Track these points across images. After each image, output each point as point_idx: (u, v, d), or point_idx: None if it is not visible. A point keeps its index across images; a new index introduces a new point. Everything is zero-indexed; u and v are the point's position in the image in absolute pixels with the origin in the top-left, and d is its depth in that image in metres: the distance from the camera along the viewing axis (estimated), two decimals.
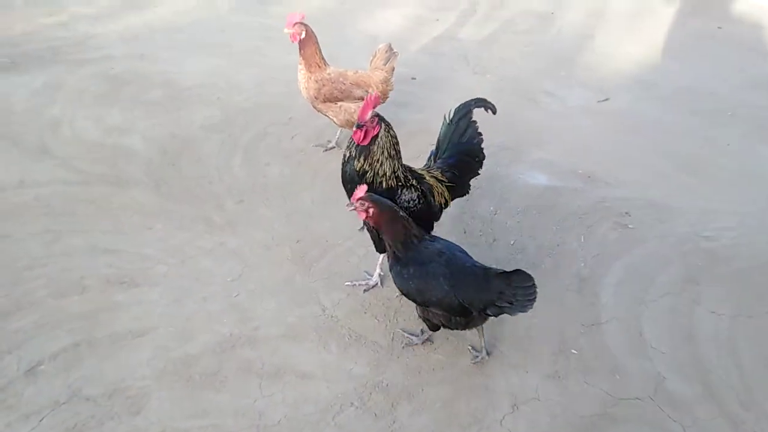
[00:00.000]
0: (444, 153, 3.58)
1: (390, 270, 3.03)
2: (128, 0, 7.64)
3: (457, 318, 2.93)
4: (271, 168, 4.64)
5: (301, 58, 4.39)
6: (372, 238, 3.39)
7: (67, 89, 5.52)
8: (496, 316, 2.88)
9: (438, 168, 3.52)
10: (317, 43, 4.42)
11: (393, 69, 4.64)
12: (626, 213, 4.29)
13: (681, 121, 5.52)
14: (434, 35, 7.16)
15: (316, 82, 4.38)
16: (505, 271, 2.81)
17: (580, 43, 7.09)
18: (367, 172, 3.16)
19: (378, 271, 3.57)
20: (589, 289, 3.66)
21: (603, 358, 3.24)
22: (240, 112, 5.35)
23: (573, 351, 3.27)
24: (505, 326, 3.38)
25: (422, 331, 3.29)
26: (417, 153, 4.56)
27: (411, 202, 3.25)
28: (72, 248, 3.76)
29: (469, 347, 3.27)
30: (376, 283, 3.56)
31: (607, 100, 5.86)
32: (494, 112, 3.63)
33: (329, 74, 4.43)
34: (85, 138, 4.83)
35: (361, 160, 3.15)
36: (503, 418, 2.93)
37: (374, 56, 4.66)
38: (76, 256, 3.71)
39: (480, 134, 3.63)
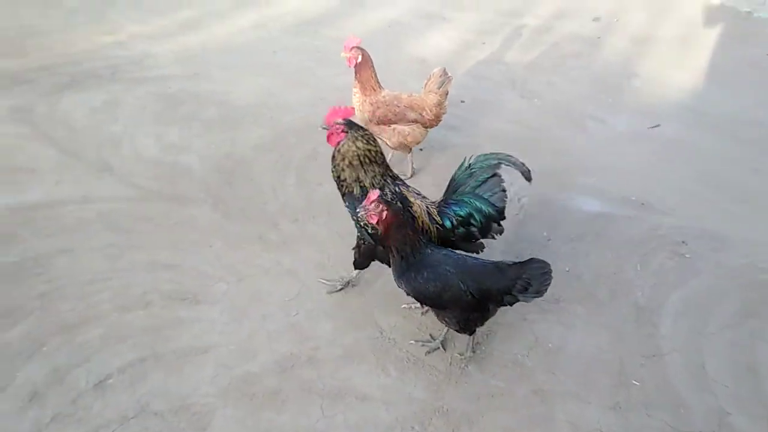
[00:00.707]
0: (453, 196, 3.35)
1: (400, 278, 2.96)
2: (184, 20, 7.77)
3: (475, 314, 3.00)
4: (323, 188, 4.65)
5: (356, 82, 4.42)
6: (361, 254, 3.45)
7: (127, 107, 5.62)
8: (511, 304, 2.98)
9: (437, 206, 3.33)
10: (372, 67, 4.44)
11: (447, 93, 4.63)
12: (682, 242, 4.21)
13: (730, 149, 5.42)
14: (481, 59, 7.15)
15: (371, 104, 4.40)
16: (516, 262, 2.90)
17: (626, 68, 7.02)
18: (332, 172, 3.24)
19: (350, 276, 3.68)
20: (647, 319, 3.59)
21: (665, 391, 3.16)
22: (291, 132, 5.39)
23: (634, 382, 3.21)
24: (562, 355, 3.34)
25: (432, 337, 3.40)
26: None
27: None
28: (134, 264, 3.79)
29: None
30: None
31: (658, 126, 5.78)
32: (528, 180, 3.35)
33: (384, 97, 4.44)
34: (144, 155, 4.90)
35: (331, 160, 3.23)
36: None
37: (428, 79, 4.66)
38: (139, 271, 3.74)
39: (505, 196, 3.34)
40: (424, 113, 4.52)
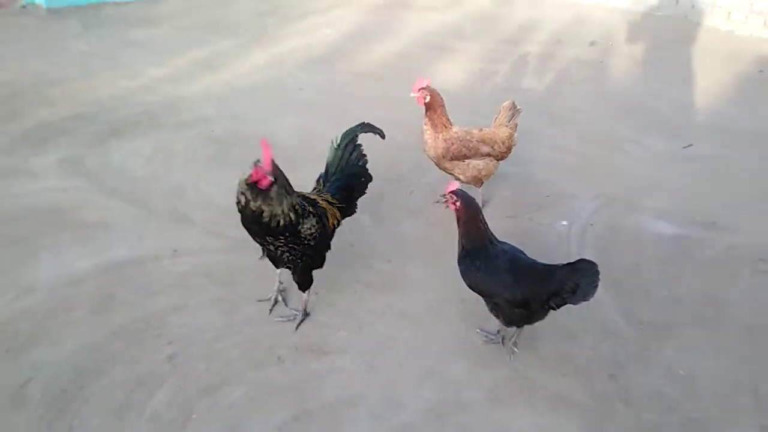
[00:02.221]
0: (333, 176, 3.75)
1: (458, 264, 3.22)
2: (198, 61, 7.61)
3: (519, 310, 3.10)
4: (402, 227, 4.58)
5: (427, 119, 4.39)
6: (270, 258, 3.52)
7: (179, 154, 5.44)
8: (557, 308, 3.05)
9: (328, 191, 3.67)
10: (443, 104, 4.42)
11: (516, 125, 4.62)
12: (760, 259, 4.27)
13: (765, 165, 5.54)
14: (499, 87, 7.21)
15: (445, 141, 4.37)
16: (568, 263, 2.97)
17: (637, 90, 7.18)
18: (263, 212, 3.16)
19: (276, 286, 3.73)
20: (761, 340, 3.62)
21: None
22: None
23: None
24: (698, 381, 3.34)
25: (498, 331, 3.48)
26: (533, 205, 4.75)
27: (312, 228, 3.31)
28: (250, 317, 3.65)
29: (478, 330, 3.56)
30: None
31: (690, 146, 5.89)
32: (382, 137, 3.89)
33: (456, 133, 4.42)
34: (214, 202, 4.73)
35: (258, 201, 3.16)
36: None
37: (498, 113, 4.67)
38: (257, 324, 3.60)
39: (365, 156, 3.90)
40: (496, 146, 4.51)
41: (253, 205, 3.16)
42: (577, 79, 7.54)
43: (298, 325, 3.59)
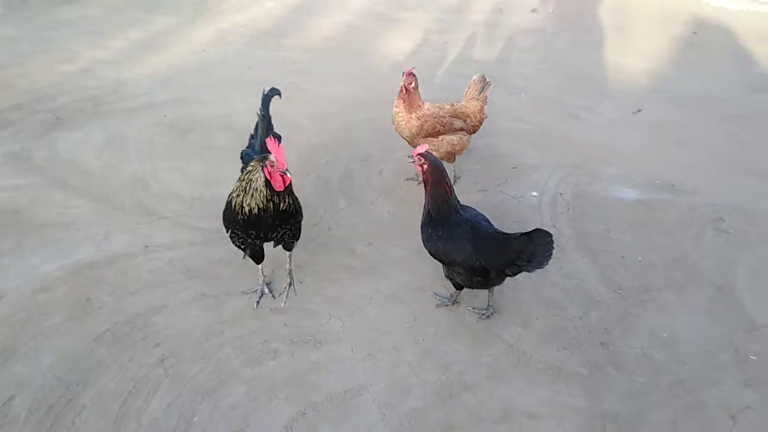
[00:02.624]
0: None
1: (421, 231, 3.29)
2: (138, 41, 7.25)
3: (477, 278, 3.19)
4: (378, 207, 4.53)
5: (401, 101, 4.31)
6: (253, 254, 3.50)
7: (132, 142, 5.19)
8: (514, 275, 3.13)
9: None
10: (418, 87, 4.36)
11: (486, 98, 4.62)
12: (720, 219, 4.44)
13: (713, 126, 5.75)
14: (452, 58, 7.17)
15: (419, 119, 4.32)
16: (523, 233, 3.01)
17: (582, 57, 7.27)
18: (288, 206, 3.20)
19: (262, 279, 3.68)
20: (729, 297, 3.78)
21: None
22: (313, 152, 5.19)
23: (752, 357, 3.36)
24: (680, 343, 3.46)
25: (451, 295, 3.58)
26: (501, 177, 4.79)
27: (298, 201, 3.36)
28: (238, 312, 3.55)
29: (470, 308, 3.61)
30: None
31: (640, 111, 6.03)
32: (279, 95, 3.98)
33: (428, 110, 4.38)
34: (179, 192, 4.56)
35: (287, 200, 3.18)
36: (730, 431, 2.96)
37: (468, 87, 4.64)
38: (247, 319, 3.50)
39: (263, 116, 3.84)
40: (468, 120, 4.50)
41: (282, 205, 3.12)
42: (524, 47, 7.58)
43: (288, 288, 3.67)
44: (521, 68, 6.91)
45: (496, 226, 3.31)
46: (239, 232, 3.24)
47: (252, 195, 3.06)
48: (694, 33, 8.09)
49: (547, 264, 3.04)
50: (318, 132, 5.46)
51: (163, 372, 3.14)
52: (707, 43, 7.73)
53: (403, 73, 4.20)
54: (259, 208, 3.07)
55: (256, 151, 3.61)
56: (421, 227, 3.34)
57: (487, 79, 4.64)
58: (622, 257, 4.06)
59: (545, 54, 7.36)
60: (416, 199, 4.40)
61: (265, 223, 3.13)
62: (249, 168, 3.09)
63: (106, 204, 4.38)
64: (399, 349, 3.33)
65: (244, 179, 3.10)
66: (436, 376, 3.19)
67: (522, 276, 3.62)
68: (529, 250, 3.04)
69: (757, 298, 3.75)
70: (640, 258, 4.05)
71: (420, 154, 3.29)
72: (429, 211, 3.28)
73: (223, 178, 4.72)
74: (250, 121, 5.57)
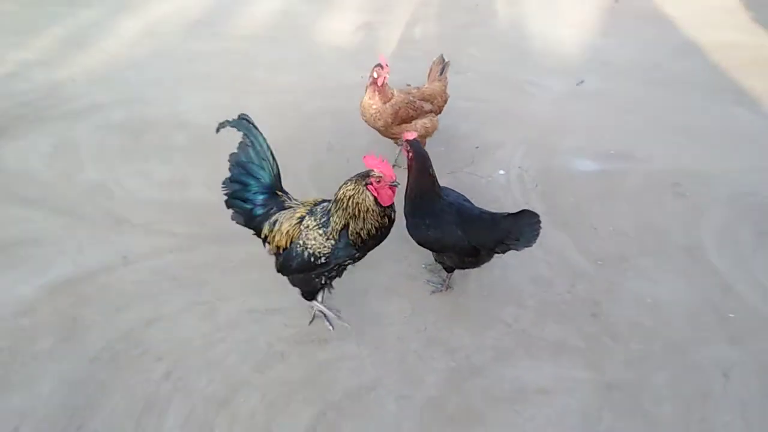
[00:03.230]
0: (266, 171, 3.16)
1: (406, 223, 3.29)
2: (65, 38, 6.84)
3: (469, 259, 3.28)
4: None
5: (374, 94, 4.27)
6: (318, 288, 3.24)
7: (83, 148, 4.93)
8: (503, 252, 3.21)
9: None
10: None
11: (447, 78, 4.65)
12: (676, 183, 4.66)
13: (651, 93, 5.99)
14: (392, 38, 7.14)
15: (392, 106, 4.31)
16: (511, 214, 3.15)
17: (519, 30, 7.41)
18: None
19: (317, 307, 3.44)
20: (700, 258, 3.98)
21: (756, 317, 3.56)
22: (277, 145, 4.91)
23: (730, 315, 3.57)
24: (664, 307, 3.62)
25: (444, 280, 3.64)
26: (467, 158, 4.89)
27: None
28: (234, 316, 3.47)
29: (426, 280, 3.72)
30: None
31: (583, 82, 6.21)
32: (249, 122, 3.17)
33: (399, 97, 4.37)
34: (146, 197, 4.38)
35: (394, 211, 3.01)
36: (724, 389, 3.16)
37: (430, 69, 4.66)
38: (245, 324, 3.43)
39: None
40: (435, 102, 4.54)
41: (394, 216, 2.98)
42: (461, 23, 7.63)
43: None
44: (462, 45, 6.96)
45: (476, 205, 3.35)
46: (325, 270, 2.99)
47: (364, 219, 2.84)
48: (616, 2, 8.34)
49: (535, 242, 3.14)
50: (277, 125, 5.30)
51: (171, 386, 3.04)
52: (628, 10, 8.05)
53: (378, 66, 4.13)
54: (376, 228, 2.88)
55: (263, 186, 3.10)
56: (406, 216, 3.33)
57: (446, 59, 4.66)
58: (595, 228, 4.20)
59: (482, 30, 7.44)
60: None
61: (381, 238, 2.99)
62: (348, 193, 2.82)
63: (70, 215, 4.16)
64: (403, 339, 3.34)
65: (347, 206, 2.83)
66: (444, 362, 3.23)
67: (508, 254, 3.70)
68: (517, 229, 3.12)
69: (723, 257, 3.97)
70: (611, 228, 4.21)
71: (407, 141, 3.30)
72: (413, 199, 3.28)
73: (190, 181, 4.60)
74: (204, 118, 5.43)
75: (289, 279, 3.13)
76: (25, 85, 5.82)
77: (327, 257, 2.89)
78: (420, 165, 3.30)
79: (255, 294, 3.61)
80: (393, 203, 2.91)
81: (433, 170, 3.33)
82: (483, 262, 3.43)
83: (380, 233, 2.90)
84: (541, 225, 3.13)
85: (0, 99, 5.58)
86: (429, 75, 4.66)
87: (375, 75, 4.21)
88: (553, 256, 3.94)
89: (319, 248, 2.88)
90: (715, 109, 5.68)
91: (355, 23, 7.49)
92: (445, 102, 4.64)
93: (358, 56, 6.51)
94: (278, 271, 3.08)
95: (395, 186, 2.81)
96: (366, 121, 4.43)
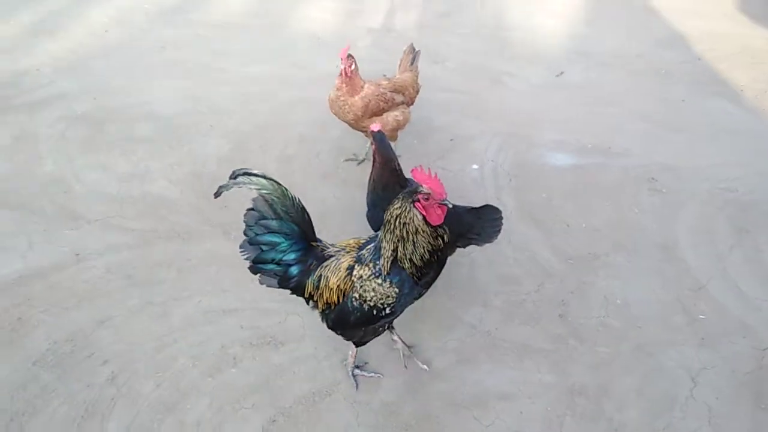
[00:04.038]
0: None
1: (367, 214, 3.27)
2: (30, 25, 6.66)
3: None
4: (320, 192, 4.39)
5: (342, 85, 4.14)
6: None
7: (44, 140, 4.79)
8: (464, 247, 3.17)
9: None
10: (357, 68, 4.20)
11: (418, 68, 4.54)
12: (653, 178, 4.57)
13: (632, 84, 5.89)
14: (370, 28, 7.00)
15: (362, 99, 4.18)
16: (474, 207, 3.08)
17: (500, 19, 7.27)
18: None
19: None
20: (674, 256, 3.90)
21: (726, 317, 3.49)
22: (245, 137, 4.97)
23: (701, 316, 3.49)
24: (634, 307, 3.54)
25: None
26: (440, 151, 4.82)
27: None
28: (189, 318, 3.36)
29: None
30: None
31: (562, 74, 6.10)
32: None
33: (369, 89, 4.24)
34: (106, 192, 4.25)
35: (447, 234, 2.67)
36: (691, 393, 3.08)
37: (401, 60, 4.54)
38: (199, 325, 3.33)
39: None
40: (406, 93, 4.42)
41: (446, 236, 2.64)
42: (439, 12, 7.50)
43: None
44: (441, 34, 6.83)
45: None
46: (392, 319, 2.74)
47: (414, 241, 2.50)
48: None
49: (496, 238, 3.10)
50: (248, 116, 5.23)
51: (116, 391, 2.94)
52: (616, 0, 7.87)
53: (341, 56, 4.00)
54: (430, 252, 2.55)
55: (294, 241, 2.67)
56: (368, 207, 3.31)
57: (416, 48, 4.54)
58: (567, 225, 4.11)
59: (462, 18, 7.30)
60: (359, 180, 4.30)
61: (443, 261, 2.71)
62: (395, 212, 2.50)
63: (24, 210, 4.04)
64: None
65: (394, 227, 2.51)
66: (404, 366, 3.12)
67: (476, 252, 3.64)
68: (479, 224, 3.08)
69: (697, 255, 3.89)
70: (584, 224, 4.11)
71: (371, 132, 3.28)
72: (375, 190, 3.24)
73: (152, 174, 4.49)
74: (171, 108, 5.30)
75: (341, 334, 2.83)
76: None
77: (392, 307, 2.59)
78: (383, 158, 3.24)
79: (212, 294, 3.50)
80: (443, 224, 2.58)
81: (398, 162, 3.27)
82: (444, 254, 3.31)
83: (436, 257, 2.59)
84: (503, 221, 3.04)
85: None
86: (400, 65, 4.53)
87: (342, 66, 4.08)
88: (523, 253, 3.84)
89: (382, 299, 2.57)
90: (697, 102, 5.58)
91: (331, 11, 7.34)
92: (417, 93, 4.51)
93: (334, 45, 6.36)
94: (330, 328, 2.77)
95: (445, 205, 2.51)
96: (335, 114, 4.32)
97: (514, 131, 5.10)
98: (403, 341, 3.16)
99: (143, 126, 4.98)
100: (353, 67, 4.04)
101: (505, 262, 3.79)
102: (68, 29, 6.66)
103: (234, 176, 2.48)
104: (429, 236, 2.51)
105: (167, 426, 2.81)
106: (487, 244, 3.23)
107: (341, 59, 3.98)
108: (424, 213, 2.50)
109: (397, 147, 4.63)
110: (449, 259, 3.48)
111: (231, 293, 3.49)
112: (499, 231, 3.15)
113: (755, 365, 3.19)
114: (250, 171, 2.49)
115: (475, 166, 4.64)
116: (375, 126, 3.35)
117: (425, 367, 3.14)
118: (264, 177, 2.50)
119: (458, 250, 3.42)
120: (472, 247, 3.59)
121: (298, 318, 3.36)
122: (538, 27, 7.03)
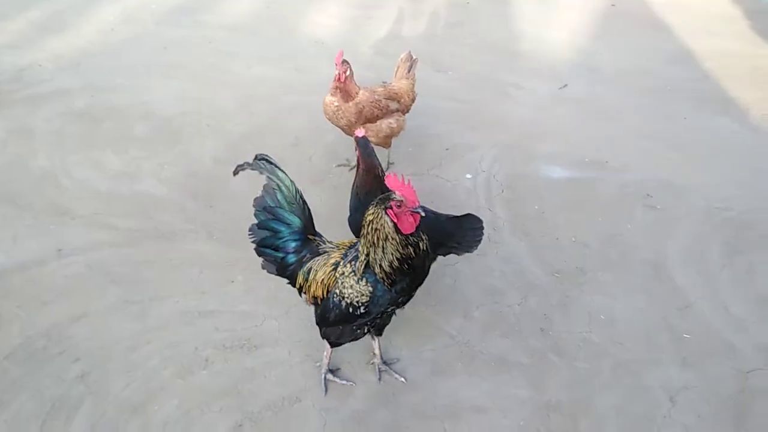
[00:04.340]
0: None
1: (349, 218, 3.29)
2: (38, 22, 6.73)
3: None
4: (309, 196, 4.27)
5: (337, 91, 4.13)
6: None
7: (40, 134, 4.82)
8: (444, 255, 3.15)
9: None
10: (353, 74, 4.18)
11: (414, 75, 4.52)
12: (648, 195, 4.51)
13: (637, 100, 5.82)
14: (378, 36, 7.00)
15: (356, 105, 4.17)
16: (455, 216, 3.06)
17: (509, 31, 7.24)
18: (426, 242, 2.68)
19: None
20: (662, 274, 3.83)
21: (712, 337, 3.41)
22: (240, 138, 4.97)
23: (685, 335, 3.42)
24: (618, 324, 3.48)
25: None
26: (435, 160, 4.78)
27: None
28: (166, 318, 3.34)
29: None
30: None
31: (566, 86, 6.06)
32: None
33: (364, 95, 4.23)
34: (95, 189, 4.26)
35: (422, 236, 2.65)
36: (669, 413, 3.01)
37: (397, 66, 4.53)
38: (175, 326, 3.31)
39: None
40: (402, 101, 4.40)
41: (422, 245, 2.61)
42: (450, 22, 7.48)
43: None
44: (448, 44, 6.82)
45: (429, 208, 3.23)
46: (367, 320, 2.71)
47: (384, 248, 2.50)
48: (613, 5, 8.17)
49: (476, 249, 3.09)
50: (246, 118, 5.24)
51: (84, 389, 2.93)
52: (626, 15, 7.83)
53: (336, 62, 3.99)
54: (399, 260, 2.52)
55: (294, 232, 2.79)
56: (350, 212, 3.32)
57: (414, 56, 4.52)
58: (557, 238, 4.06)
59: (471, 28, 7.28)
60: (348, 186, 4.22)
61: (423, 272, 2.71)
62: (369, 217, 2.51)
63: (12, 204, 4.06)
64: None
65: (367, 232, 2.51)
66: (377, 374, 3.08)
67: (462, 263, 3.60)
68: (460, 233, 3.06)
69: (687, 274, 3.82)
70: (573, 238, 4.06)
71: (355, 139, 3.30)
72: (358, 195, 3.25)
73: (143, 173, 4.49)
74: (169, 108, 5.32)
75: (321, 332, 2.87)
76: None
77: (366, 306, 2.60)
78: (367, 164, 3.24)
79: (191, 295, 3.49)
80: (419, 232, 2.57)
81: (381, 169, 3.26)
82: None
83: (407, 266, 2.56)
84: (484, 231, 2.99)
85: None
86: (396, 72, 4.52)
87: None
88: (509, 266, 3.80)
89: (357, 297, 2.59)
90: (700, 119, 5.51)
91: (340, 17, 7.36)
92: (413, 101, 4.49)
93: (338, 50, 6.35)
94: (317, 323, 2.82)
95: (417, 213, 2.49)
96: (329, 119, 4.31)
97: (512, 142, 5.06)
98: (381, 355, 3.11)
99: (140, 125, 5.00)
100: (348, 72, 4.02)
101: (491, 273, 3.74)
102: (76, 27, 6.73)
103: (256, 158, 2.71)
104: (398, 244, 2.50)
105: (133, 426, 2.79)
106: (475, 256, 3.19)
107: (336, 64, 3.96)
108: (395, 220, 2.48)
109: (392, 154, 4.60)
110: (432, 269, 3.48)
111: (210, 295, 3.48)
112: (479, 241, 3.12)
113: (738, 388, 3.11)
114: (267, 157, 2.71)
115: (468, 176, 4.60)
116: (359, 132, 3.33)
117: (402, 378, 3.08)
118: (277, 167, 2.72)
119: (442, 260, 3.38)
120: (456, 258, 3.57)
121: (275, 322, 3.34)
122: (546, 40, 6.99)
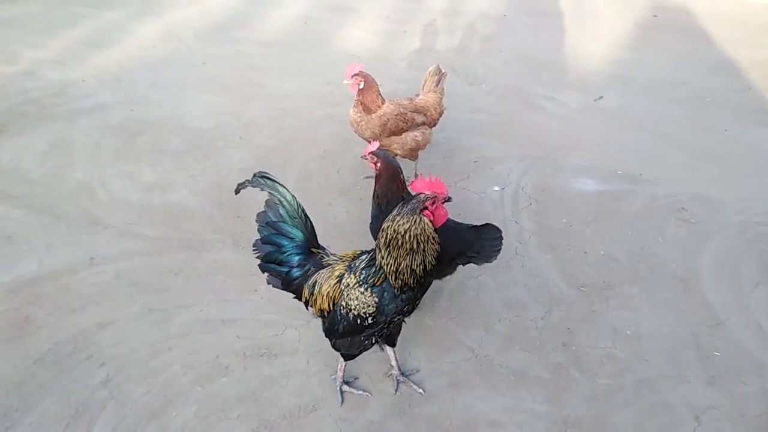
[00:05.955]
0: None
1: (370, 225, 3.33)
2: (83, 39, 6.97)
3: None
4: (335, 208, 4.41)
5: (358, 103, 4.19)
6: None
7: (78, 147, 4.98)
8: (464, 264, 3.18)
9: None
10: (377, 88, 4.23)
11: (443, 89, 4.53)
12: (682, 208, 4.42)
13: (673, 112, 5.74)
14: (412, 49, 7.04)
15: (380, 118, 4.20)
16: (475, 225, 3.08)
17: (544, 43, 7.22)
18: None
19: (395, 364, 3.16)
20: (693, 289, 3.75)
21: (742, 356, 3.32)
22: (270, 151, 5.05)
23: (716, 353, 3.33)
24: (644, 340, 3.43)
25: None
26: (463, 172, 4.77)
27: None
28: (188, 326, 3.41)
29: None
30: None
31: (601, 98, 5.99)
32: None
33: (389, 108, 4.26)
34: (128, 201, 4.38)
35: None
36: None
37: (425, 79, 4.55)
38: (197, 333, 3.37)
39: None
40: (428, 114, 4.42)
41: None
42: (484, 34, 7.49)
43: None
44: (482, 57, 6.83)
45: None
46: (375, 330, 2.72)
47: (424, 251, 2.52)
48: (654, 16, 8.07)
49: (495, 259, 3.10)
50: (276, 131, 5.33)
51: (107, 394, 3.00)
52: (666, 25, 7.75)
53: (346, 75, 4.05)
54: (434, 258, 2.58)
55: (298, 246, 2.81)
56: (372, 220, 3.34)
57: (443, 70, 4.55)
58: (585, 252, 4.01)
59: (506, 41, 7.28)
60: None
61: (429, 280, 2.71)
62: (402, 228, 2.49)
63: (49, 214, 4.20)
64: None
65: (402, 243, 2.49)
66: (393, 385, 3.09)
67: (485, 275, 3.60)
68: (479, 243, 3.08)
69: (719, 290, 3.73)
70: (602, 252, 4.00)
71: (372, 153, 3.31)
72: (378, 205, 3.29)
73: (175, 184, 4.60)
74: (202, 122, 5.45)
75: (331, 343, 2.89)
76: (36, 84, 5.96)
77: (374, 316, 2.63)
78: (390, 173, 3.29)
79: (214, 303, 3.56)
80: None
81: (403, 179, 3.31)
82: (445, 274, 3.34)
83: (433, 267, 2.60)
84: (503, 241, 3.02)
85: (8, 96, 5.70)
86: (424, 85, 4.55)
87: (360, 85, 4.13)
88: (534, 279, 3.77)
89: (364, 308, 2.62)
90: (738, 131, 5.39)
91: (375, 31, 7.44)
92: (440, 114, 4.51)
93: (372, 64, 6.41)
94: (325, 335, 2.85)
95: (449, 201, 2.60)
96: (355, 132, 4.37)
97: (542, 155, 5.03)
98: (399, 366, 3.11)
99: (174, 138, 5.14)
100: (361, 85, 4.07)
101: (515, 286, 3.72)
102: (118, 44, 6.95)
103: (254, 177, 2.72)
104: (435, 241, 2.55)
105: (151, 430, 2.84)
106: (500, 268, 3.18)
107: (346, 77, 4.02)
108: (431, 218, 2.55)
109: (419, 166, 4.63)
110: (455, 280, 3.50)
111: (233, 303, 3.54)
112: (498, 251, 3.12)
113: (766, 408, 3.01)
114: (267, 174, 2.73)
115: (496, 188, 4.59)
116: (372, 146, 3.42)
117: (421, 390, 3.08)
118: (278, 182, 2.73)
119: (465, 272, 3.37)
120: (480, 270, 3.56)
121: (295, 332, 3.38)
122: (581, 51, 6.95)
